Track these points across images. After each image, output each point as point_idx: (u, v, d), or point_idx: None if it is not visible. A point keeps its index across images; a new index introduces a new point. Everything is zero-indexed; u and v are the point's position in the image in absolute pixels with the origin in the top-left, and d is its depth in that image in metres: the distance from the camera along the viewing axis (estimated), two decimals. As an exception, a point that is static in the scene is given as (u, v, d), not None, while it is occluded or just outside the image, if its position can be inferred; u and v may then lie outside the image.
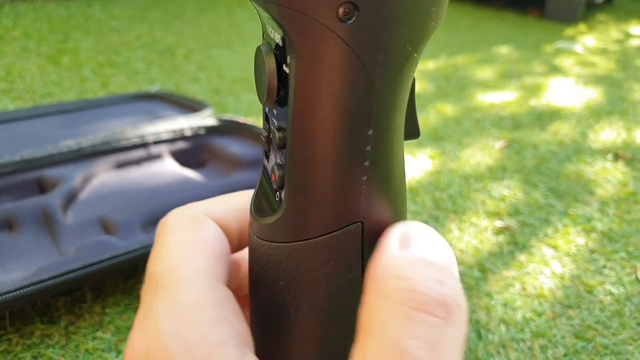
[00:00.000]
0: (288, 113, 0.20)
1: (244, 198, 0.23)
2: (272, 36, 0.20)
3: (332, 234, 0.21)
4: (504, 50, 1.93)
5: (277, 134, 0.21)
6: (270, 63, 0.20)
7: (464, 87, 1.48)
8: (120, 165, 0.85)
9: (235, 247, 0.23)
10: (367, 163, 0.20)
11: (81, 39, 1.60)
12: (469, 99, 1.39)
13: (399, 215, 0.24)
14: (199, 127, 0.92)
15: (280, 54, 0.19)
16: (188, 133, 0.91)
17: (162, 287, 0.18)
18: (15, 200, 0.73)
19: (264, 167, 0.25)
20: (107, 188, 0.79)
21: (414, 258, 0.17)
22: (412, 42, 0.19)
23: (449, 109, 1.31)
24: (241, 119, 0.96)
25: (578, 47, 2.01)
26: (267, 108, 0.22)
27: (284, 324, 0.22)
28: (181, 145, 0.90)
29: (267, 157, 0.24)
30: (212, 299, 0.18)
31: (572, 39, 2.17)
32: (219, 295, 0.18)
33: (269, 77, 0.20)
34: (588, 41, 2.15)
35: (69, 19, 1.79)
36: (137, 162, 0.86)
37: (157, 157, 0.87)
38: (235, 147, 0.90)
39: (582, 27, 2.41)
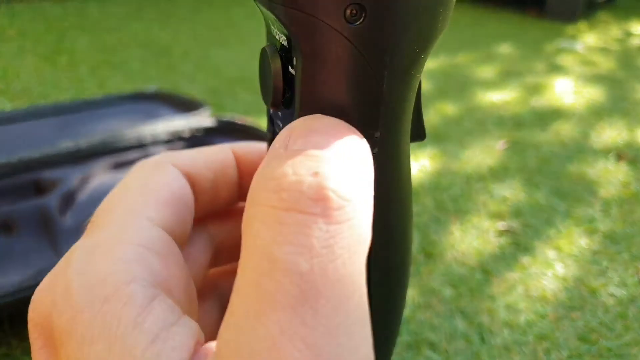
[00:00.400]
0: (294, 114, 0.19)
1: (222, 151, 0.22)
2: (277, 37, 0.20)
3: None
4: (504, 49, 1.92)
5: None
6: (276, 64, 0.19)
7: (465, 87, 1.47)
8: (118, 166, 0.84)
9: (209, 200, 0.21)
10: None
11: (77, 38, 1.59)
12: (469, 98, 1.39)
13: (405, 221, 0.23)
14: (197, 128, 0.91)
15: (285, 55, 0.19)
16: (186, 134, 0.90)
17: (90, 228, 0.17)
18: (13, 203, 0.72)
19: None
20: (106, 189, 0.78)
21: (289, 154, 0.14)
22: (419, 44, 0.19)
23: (449, 108, 1.30)
24: (240, 119, 0.95)
25: (579, 46, 2.01)
26: (271, 110, 0.21)
27: None
28: (179, 146, 0.90)
29: None
30: (138, 238, 0.16)
31: (573, 37, 2.16)
32: (149, 237, 0.16)
33: (275, 78, 0.19)
34: (589, 40, 2.15)
35: (65, 18, 1.78)
36: (135, 163, 0.85)
37: (155, 158, 0.86)
38: (234, 148, 0.89)
39: (582, 25, 2.41)
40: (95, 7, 1.96)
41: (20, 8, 1.84)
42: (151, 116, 0.99)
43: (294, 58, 0.18)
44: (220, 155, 0.21)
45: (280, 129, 0.21)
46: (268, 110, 0.22)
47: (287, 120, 0.20)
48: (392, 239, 0.22)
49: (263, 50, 0.20)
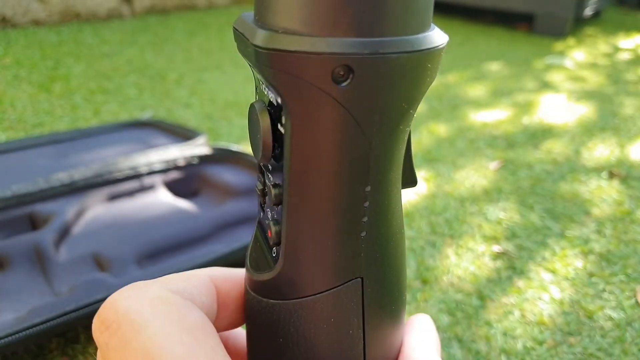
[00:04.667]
0: (284, 171, 0.19)
1: (202, 280, 0.22)
2: (265, 93, 0.20)
3: (332, 290, 0.21)
4: (494, 66, 1.94)
5: (273, 191, 0.20)
6: (265, 122, 0.19)
7: (456, 106, 1.48)
8: (113, 197, 0.84)
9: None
10: (365, 219, 0.20)
11: (72, 65, 1.59)
12: (461, 118, 1.40)
13: (398, 269, 0.23)
14: (192, 157, 0.92)
15: (274, 111, 0.19)
16: (181, 163, 0.90)
17: None
18: (6, 238, 0.72)
19: (259, 221, 0.25)
20: (100, 222, 0.78)
21: None
22: (407, 100, 0.19)
23: (441, 129, 1.31)
24: (234, 147, 0.95)
25: (568, 62, 2.03)
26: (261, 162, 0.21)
27: None
28: (174, 175, 0.90)
29: (263, 210, 0.24)
30: None
31: (562, 53, 2.19)
32: None
33: (264, 135, 0.19)
34: (577, 55, 2.17)
35: (60, 45, 1.79)
36: (130, 193, 0.85)
37: (150, 188, 0.87)
38: (228, 176, 0.89)
39: (571, 41, 2.44)
40: (90, 33, 1.98)
41: (15, 35, 1.85)
42: (146, 144, 1.00)
43: (283, 117, 0.18)
44: (205, 286, 0.22)
45: (270, 182, 0.21)
46: (258, 162, 0.22)
47: (277, 173, 0.20)
48: (387, 282, 0.22)
49: (252, 107, 0.20)
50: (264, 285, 0.21)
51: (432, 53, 0.18)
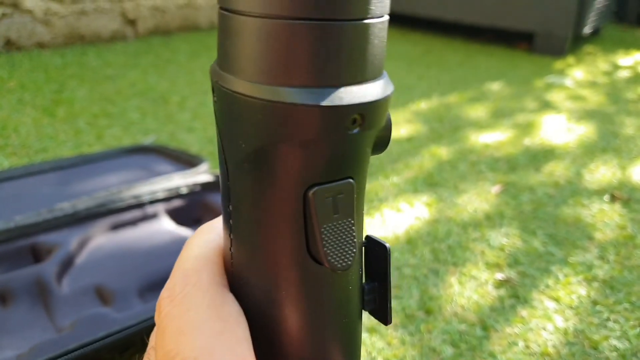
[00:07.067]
0: None
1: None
2: None
3: None
4: (495, 86, 1.95)
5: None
6: None
7: (458, 128, 1.49)
8: (116, 226, 0.84)
9: None
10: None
11: (76, 88, 1.61)
12: (463, 140, 1.40)
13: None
14: (195, 184, 0.92)
15: None
16: (184, 191, 0.91)
17: None
18: (9, 271, 0.72)
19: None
20: (103, 253, 0.78)
21: None
22: (243, 139, 0.19)
23: (443, 151, 1.32)
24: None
25: (568, 81, 2.04)
26: None
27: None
28: (177, 203, 0.90)
29: None
30: None
31: (562, 72, 2.20)
32: None
33: None
34: (577, 74, 2.19)
35: (64, 68, 1.81)
36: (133, 222, 0.85)
37: (153, 216, 0.87)
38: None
39: (570, 59, 2.45)
40: (93, 55, 2.00)
41: (19, 58, 1.87)
42: (149, 171, 1.00)
43: None
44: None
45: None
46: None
47: None
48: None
49: None
50: None
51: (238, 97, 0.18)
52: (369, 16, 0.17)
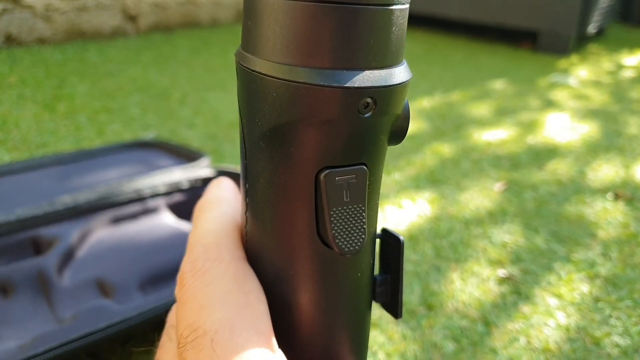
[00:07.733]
0: None
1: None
2: None
3: None
4: (498, 85, 1.95)
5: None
6: None
7: (460, 126, 1.48)
8: (117, 220, 0.84)
9: None
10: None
11: (77, 84, 1.61)
12: (465, 138, 1.40)
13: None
14: (196, 179, 0.92)
15: None
16: (185, 185, 0.90)
17: None
18: (10, 263, 0.72)
19: None
20: (104, 246, 0.78)
21: None
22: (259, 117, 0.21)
23: (445, 149, 1.31)
24: (238, 169, 0.95)
25: (572, 80, 2.04)
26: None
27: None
28: (178, 197, 0.90)
29: None
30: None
31: (565, 71, 2.20)
32: None
33: None
34: (581, 73, 2.18)
35: (65, 64, 1.80)
36: (134, 216, 0.85)
37: (154, 210, 0.87)
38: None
39: (574, 58, 2.45)
40: (94, 51, 1.99)
41: (20, 54, 1.87)
42: (150, 166, 1.00)
43: None
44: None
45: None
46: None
47: None
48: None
49: None
50: None
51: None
52: (394, 2, 0.17)
